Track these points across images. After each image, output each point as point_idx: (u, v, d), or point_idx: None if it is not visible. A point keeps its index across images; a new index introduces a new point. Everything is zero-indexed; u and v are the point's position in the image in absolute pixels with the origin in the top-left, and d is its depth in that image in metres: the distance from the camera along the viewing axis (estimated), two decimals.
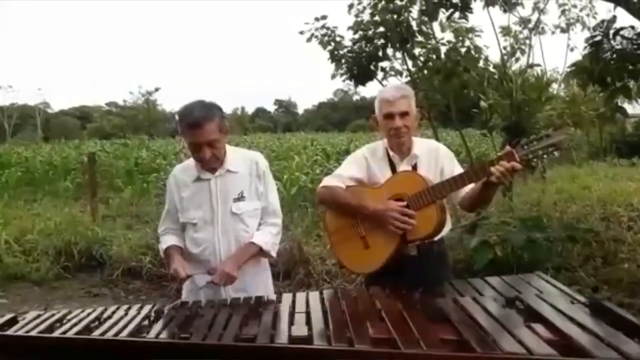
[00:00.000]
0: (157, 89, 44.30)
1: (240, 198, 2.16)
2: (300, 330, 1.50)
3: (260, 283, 2.23)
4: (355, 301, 1.76)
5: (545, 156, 1.82)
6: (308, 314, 1.64)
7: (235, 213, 2.15)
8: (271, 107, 60.59)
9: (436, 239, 2.11)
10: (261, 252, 2.19)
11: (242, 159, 2.22)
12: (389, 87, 2.26)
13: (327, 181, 2.24)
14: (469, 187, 2.04)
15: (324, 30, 5.76)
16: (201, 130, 2.03)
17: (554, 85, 7.68)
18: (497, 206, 5.49)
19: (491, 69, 5.99)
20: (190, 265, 2.21)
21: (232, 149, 2.25)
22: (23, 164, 13.55)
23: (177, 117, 2.20)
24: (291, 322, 1.58)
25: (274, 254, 2.25)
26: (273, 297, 1.97)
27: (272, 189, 2.27)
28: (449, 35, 5.76)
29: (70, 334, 1.59)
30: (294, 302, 1.78)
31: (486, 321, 1.47)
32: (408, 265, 2.05)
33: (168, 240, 2.25)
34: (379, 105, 2.15)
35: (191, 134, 2.05)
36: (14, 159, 14.28)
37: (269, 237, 2.19)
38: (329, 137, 23.43)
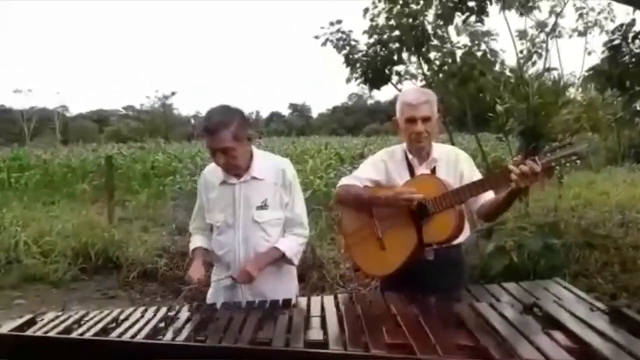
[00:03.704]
0: (173, 93, 44.54)
1: (263, 206, 2.14)
2: (316, 334, 1.49)
3: (281, 290, 2.15)
4: (370, 306, 1.75)
5: (567, 165, 1.80)
6: (323, 318, 1.63)
7: (256, 221, 2.14)
8: (285, 111, 60.75)
9: (454, 243, 2.09)
10: (284, 258, 2.17)
11: (269, 167, 2.18)
12: (411, 90, 2.24)
13: (345, 181, 2.26)
14: (488, 196, 2.03)
15: (339, 35, 5.79)
16: (215, 137, 2.02)
17: (571, 89, 7.63)
18: (514, 211, 5.43)
19: (507, 72, 5.98)
20: (216, 266, 2.28)
21: (261, 154, 2.23)
22: (42, 166, 13.75)
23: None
24: (307, 326, 1.57)
25: (296, 262, 2.23)
26: (288, 300, 1.97)
27: (298, 199, 2.23)
28: (464, 39, 5.80)
29: (88, 335, 1.61)
30: (309, 306, 1.78)
31: (503, 327, 1.45)
32: (424, 270, 2.04)
33: (196, 241, 2.29)
34: (401, 108, 2.13)
35: (207, 139, 2.05)
36: (33, 162, 14.49)
37: (294, 245, 2.19)
38: (343, 141, 23.36)
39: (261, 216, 2.14)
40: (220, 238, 2.19)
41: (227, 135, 2.01)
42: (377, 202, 2.10)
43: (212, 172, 2.23)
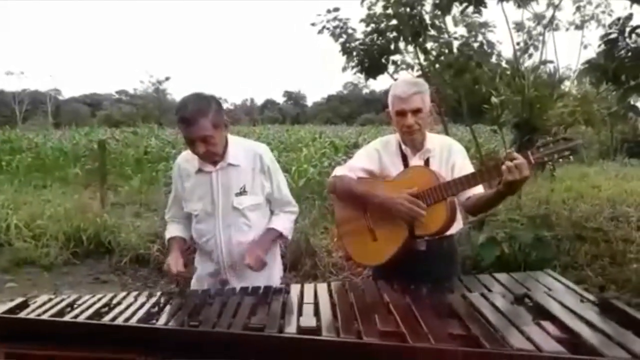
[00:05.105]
0: (167, 78, 44.56)
1: (242, 192, 2.13)
2: (309, 321, 1.50)
3: (265, 275, 2.17)
4: (363, 294, 1.76)
5: (560, 160, 1.80)
6: (316, 305, 1.64)
7: (236, 208, 2.13)
8: (280, 99, 60.55)
9: (447, 234, 2.09)
10: (280, 237, 2.23)
11: (244, 152, 2.16)
12: (401, 82, 2.21)
13: (339, 171, 2.24)
14: (476, 189, 2.03)
15: (336, 23, 5.73)
16: (193, 126, 1.97)
17: (567, 83, 7.63)
18: (506, 203, 5.46)
19: (503, 64, 5.96)
20: (198, 254, 2.28)
21: (235, 140, 2.20)
22: (33, 149, 13.67)
23: None
24: (300, 313, 1.58)
25: (290, 237, 2.31)
26: (280, 287, 1.97)
27: (282, 181, 2.25)
28: (461, 30, 5.76)
29: (80, 319, 1.61)
30: (302, 293, 1.78)
31: (495, 317, 1.47)
32: (416, 260, 2.03)
33: (172, 230, 2.27)
34: (391, 101, 2.11)
35: (184, 129, 2.00)
36: (24, 145, 14.39)
37: (288, 223, 2.24)
38: (337, 130, 23.33)
39: (241, 202, 2.13)
40: (200, 226, 2.18)
41: (206, 123, 1.97)
42: (373, 201, 2.08)
43: (187, 160, 2.20)
